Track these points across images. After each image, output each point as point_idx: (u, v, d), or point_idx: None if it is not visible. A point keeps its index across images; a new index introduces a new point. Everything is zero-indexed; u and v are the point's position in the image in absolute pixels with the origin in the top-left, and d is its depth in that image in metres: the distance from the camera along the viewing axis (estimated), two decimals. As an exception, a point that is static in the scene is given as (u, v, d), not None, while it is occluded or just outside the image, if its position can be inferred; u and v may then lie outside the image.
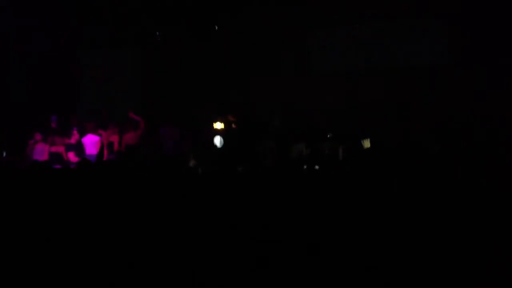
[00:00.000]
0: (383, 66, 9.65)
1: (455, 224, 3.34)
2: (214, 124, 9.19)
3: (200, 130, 9.60)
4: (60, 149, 9.76)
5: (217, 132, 9.05)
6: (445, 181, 3.87)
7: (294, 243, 3.29)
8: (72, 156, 9.57)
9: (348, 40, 10.06)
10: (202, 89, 10.52)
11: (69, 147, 9.70)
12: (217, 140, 8.78)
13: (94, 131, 9.96)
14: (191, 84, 10.68)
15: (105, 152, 9.15)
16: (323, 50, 10.26)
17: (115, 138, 9.86)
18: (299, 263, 3.16)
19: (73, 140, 9.75)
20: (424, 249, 3.18)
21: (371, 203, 3.54)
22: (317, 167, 5.00)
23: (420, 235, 3.27)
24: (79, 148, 9.74)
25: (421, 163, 4.20)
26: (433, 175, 3.97)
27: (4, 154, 9.52)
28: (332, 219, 3.48)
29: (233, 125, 9.14)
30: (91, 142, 9.82)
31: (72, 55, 11.80)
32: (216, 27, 10.45)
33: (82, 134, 9.90)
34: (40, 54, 11.09)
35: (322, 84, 9.91)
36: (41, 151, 9.59)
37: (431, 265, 3.10)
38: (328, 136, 6.04)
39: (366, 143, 5.42)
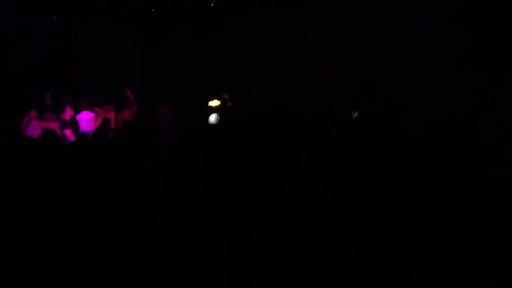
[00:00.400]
0: (382, 54, 9.61)
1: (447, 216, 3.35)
2: (209, 102, 9.15)
3: (196, 108, 9.53)
4: (52, 125, 9.64)
5: (213, 109, 8.99)
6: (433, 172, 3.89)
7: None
8: (69, 133, 9.52)
9: (348, 27, 10.01)
10: (201, 71, 10.44)
11: (64, 124, 9.63)
12: (213, 118, 8.73)
13: (89, 108, 9.88)
14: (191, 66, 10.61)
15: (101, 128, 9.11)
16: (322, 37, 10.21)
17: (111, 115, 9.81)
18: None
19: (67, 116, 9.67)
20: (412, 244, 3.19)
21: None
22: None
23: (409, 223, 3.28)
24: (74, 125, 9.68)
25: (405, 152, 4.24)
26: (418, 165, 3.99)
27: None
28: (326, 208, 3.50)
29: (229, 104, 9.13)
30: (86, 119, 9.75)
31: (70, 32, 11.63)
32: (212, 4, 10.41)
33: (77, 111, 9.82)
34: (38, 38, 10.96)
35: (321, 73, 9.88)
36: (35, 128, 9.52)
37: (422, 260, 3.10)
38: (334, 133, 6.03)
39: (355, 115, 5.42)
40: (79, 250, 3.35)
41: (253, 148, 4.80)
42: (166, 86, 10.69)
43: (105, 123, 8.64)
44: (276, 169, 4.16)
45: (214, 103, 9.10)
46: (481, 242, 3.18)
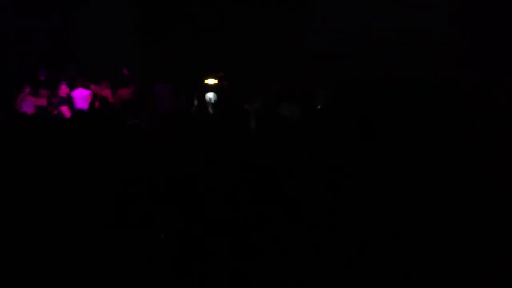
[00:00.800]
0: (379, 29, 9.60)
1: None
2: (206, 80, 9.09)
3: (194, 86, 9.48)
4: (44, 102, 9.62)
5: (210, 88, 8.94)
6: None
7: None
8: (65, 110, 9.47)
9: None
10: (200, 50, 10.38)
11: (61, 101, 9.60)
12: (210, 96, 8.67)
13: (85, 86, 9.82)
14: (190, 44, 10.55)
15: (97, 105, 9.07)
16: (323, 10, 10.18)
17: (108, 93, 9.74)
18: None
19: (63, 93, 9.63)
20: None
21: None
22: None
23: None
24: (70, 102, 9.63)
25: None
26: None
27: None
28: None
29: (224, 82, 9.07)
30: (81, 96, 9.67)
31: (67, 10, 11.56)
32: None
33: (72, 88, 9.77)
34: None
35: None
36: (29, 104, 9.49)
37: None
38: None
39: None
40: (79, 249, 3.35)
41: (253, 148, 4.79)
42: (165, 65, 10.57)
43: (96, 100, 8.51)
44: (276, 169, 4.15)
45: (211, 81, 9.01)
46: (481, 242, 3.18)
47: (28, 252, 3.34)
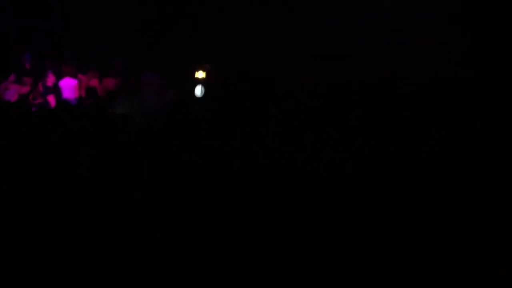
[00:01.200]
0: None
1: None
2: (195, 73, 9.04)
3: (182, 79, 9.41)
4: (27, 89, 9.46)
5: (199, 81, 8.88)
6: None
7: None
8: (51, 99, 9.34)
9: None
10: (199, 50, 10.37)
11: (47, 90, 9.44)
12: (198, 90, 8.62)
13: (72, 75, 9.69)
14: (190, 44, 10.54)
15: (83, 95, 8.97)
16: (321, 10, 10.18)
17: (95, 82, 9.65)
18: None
19: (49, 83, 9.46)
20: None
21: None
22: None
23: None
24: (56, 91, 9.49)
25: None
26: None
27: None
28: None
29: (211, 75, 9.03)
30: (68, 86, 9.55)
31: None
32: None
33: (59, 77, 9.61)
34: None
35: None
36: (12, 93, 9.35)
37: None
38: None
39: None
40: (78, 249, 3.35)
41: (253, 148, 4.80)
42: (165, 65, 10.53)
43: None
44: (276, 169, 4.16)
45: (200, 74, 8.96)
46: (481, 242, 3.18)
47: (28, 252, 3.34)
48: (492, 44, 8.73)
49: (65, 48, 11.26)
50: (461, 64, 8.95)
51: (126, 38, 11.10)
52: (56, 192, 3.85)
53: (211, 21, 10.62)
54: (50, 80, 9.42)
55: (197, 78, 8.95)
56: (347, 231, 3.37)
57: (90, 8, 11.20)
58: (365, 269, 3.11)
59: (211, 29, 10.61)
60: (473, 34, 8.91)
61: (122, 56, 10.17)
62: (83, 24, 11.27)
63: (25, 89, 9.48)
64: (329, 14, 10.18)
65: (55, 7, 11.15)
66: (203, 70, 8.99)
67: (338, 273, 3.13)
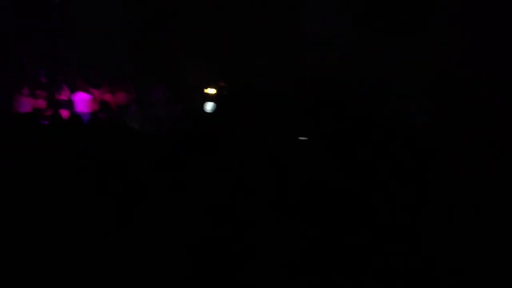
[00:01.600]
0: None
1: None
2: (205, 89, 9.09)
3: (192, 93, 9.45)
4: (42, 103, 9.54)
5: (209, 97, 8.93)
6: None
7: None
8: (64, 113, 9.41)
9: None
10: (198, 51, 10.39)
11: (61, 104, 9.55)
12: (209, 106, 8.66)
13: (85, 89, 9.78)
14: (189, 45, 10.54)
15: (97, 109, 9.01)
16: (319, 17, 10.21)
17: (108, 97, 9.73)
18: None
19: (64, 96, 9.58)
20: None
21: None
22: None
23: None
24: (70, 105, 9.59)
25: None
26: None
27: None
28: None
29: (225, 91, 9.09)
30: (81, 100, 9.64)
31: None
32: None
33: (72, 90, 9.72)
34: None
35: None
36: (26, 105, 9.44)
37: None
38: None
39: None
40: (78, 249, 3.36)
41: (253, 148, 4.80)
42: (165, 65, 10.52)
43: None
44: (277, 168, 4.16)
45: (211, 90, 9.03)
46: (481, 241, 3.19)
47: (27, 252, 3.34)
48: (492, 44, 8.74)
49: (65, 48, 11.28)
50: (461, 63, 8.95)
51: (126, 38, 11.12)
52: (56, 192, 3.86)
53: (211, 21, 10.62)
54: (65, 94, 9.52)
55: (208, 94, 9.03)
56: (347, 231, 3.37)
57: (90, 8, 11.21)
58: (365, 269, 3.12)
59: (211, 29, 10.61)
60: (473, 34, 8.91)
61: (122, 56, 10.17)
62: (83, 24, 11.27)
63: (38, 102, 9.57)
64: (329, 14, 10.19)
65: (55, 7, 11.14)
66: (214, 87, 9.08)
67: (338, 273, 3.13)
